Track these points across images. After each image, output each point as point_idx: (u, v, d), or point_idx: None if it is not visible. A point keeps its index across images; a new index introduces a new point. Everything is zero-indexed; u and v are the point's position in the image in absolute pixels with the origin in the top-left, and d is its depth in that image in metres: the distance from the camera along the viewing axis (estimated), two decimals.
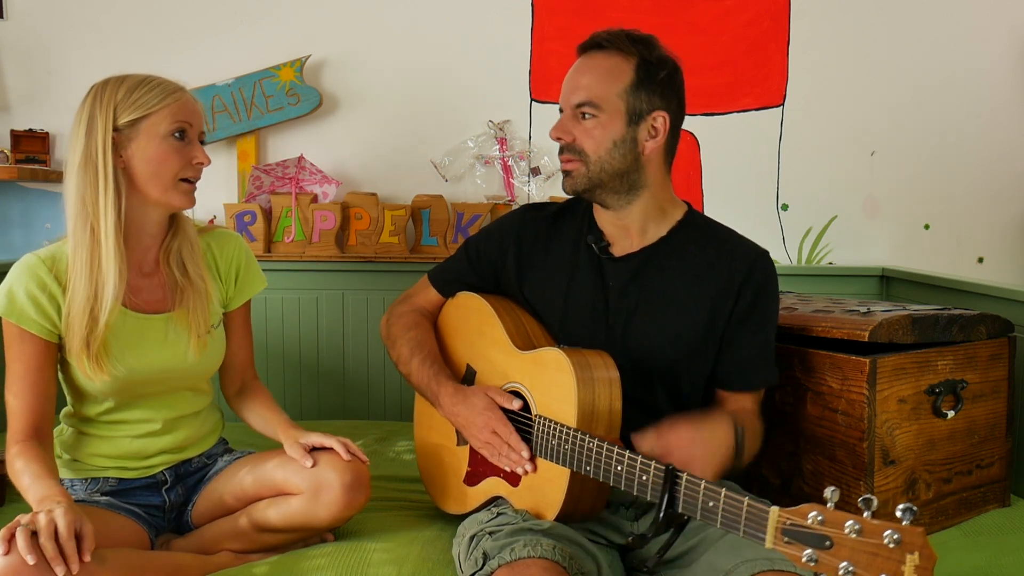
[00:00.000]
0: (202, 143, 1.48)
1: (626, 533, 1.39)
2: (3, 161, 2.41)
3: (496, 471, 1.42)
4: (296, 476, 1.43)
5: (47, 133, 2.47)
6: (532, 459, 1.35)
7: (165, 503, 1.51)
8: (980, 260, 2.60)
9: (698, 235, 1.46)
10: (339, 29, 2.49)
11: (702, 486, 1.07)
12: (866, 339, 1.49)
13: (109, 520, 1.39)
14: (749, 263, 1.43)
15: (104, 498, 1.46)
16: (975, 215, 2.58)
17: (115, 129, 1.39)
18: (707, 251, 1.44)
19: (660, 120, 1.42)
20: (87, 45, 2.49)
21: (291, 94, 2.44)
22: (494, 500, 1.42)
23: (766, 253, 1.46)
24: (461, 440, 1.47)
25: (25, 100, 2.50)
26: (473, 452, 1.47)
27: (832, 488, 0.91)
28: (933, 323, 1.57)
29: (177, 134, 1.42)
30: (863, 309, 1.62)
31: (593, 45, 1.44)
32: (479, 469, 1.46)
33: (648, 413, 1.33)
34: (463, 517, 1.44)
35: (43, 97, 2.50)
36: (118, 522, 1.41)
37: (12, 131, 2.43)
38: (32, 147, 2.44)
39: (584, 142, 1.41)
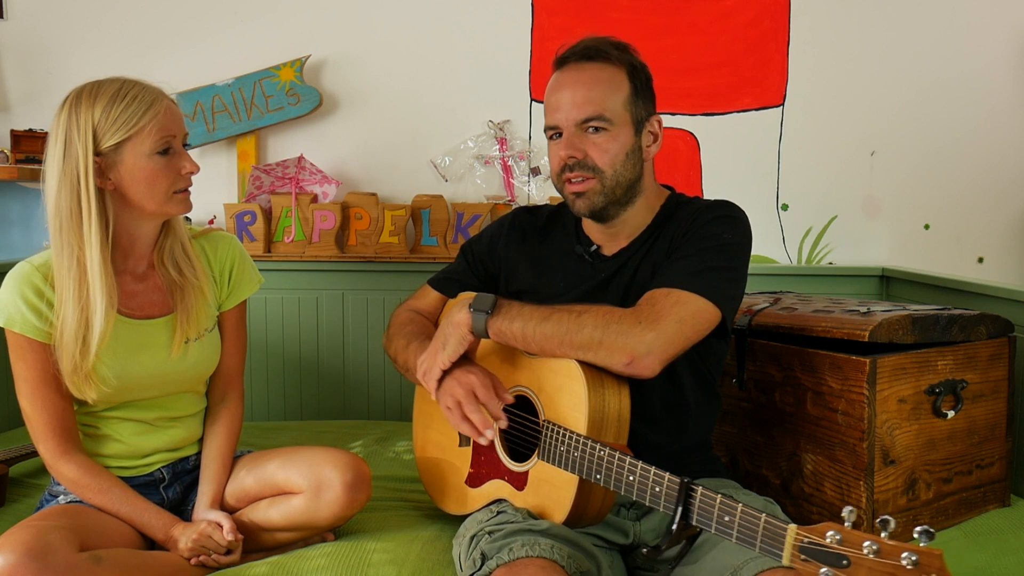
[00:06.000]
0: (186, 145, 1.43)
1: (628, 534, 1.39)
2: (3, 161, 2.41)
3: (500, 474, 1.41)
4: (298, 475, 1.43)
5: (47, 133, 2.46)
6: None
7: (163, 501, 1.51)
8: (980, 260, 2.60)
9: (676, 212, 1.45)
10: (339, 29, 2.49)
11: (718, 500, 1.06)
12: (866, 339, 1.49)
13: (106, 520, 1.39)
14: (701, 210, 1.41)
15: None
16: (975, 215, 2.58)
17: (97, 154, 1.34)
18: (682, 222, 1.42)
19: (656, 124, 1.45)
20: (87, 45, 2.49)
21: (291, 94, 2.44)
22: (496, 502, 1.41)
23: (723, 203, 1.42)
24: (463, 441, 1.47)
25: (25, 100, 2.50)
26: (475, 454, 1.46)
27: (849, 508, 0.92)
28: (933, 323, 1.57)
29: (162, 151, 1.37)
30: (863, 309, 1.62)
31: (583, 56, 1.41)
32: (482, 471, 1.45)
33: (642, 394, 1.32)
34: (463, 517, 1.44)
35: (43, 97, 2.50)
36: (115, 522, 1.41)
37: (12, 131, 2.43)
38: (32, 147, 2.44)
39: (598, 157, 1.37)
